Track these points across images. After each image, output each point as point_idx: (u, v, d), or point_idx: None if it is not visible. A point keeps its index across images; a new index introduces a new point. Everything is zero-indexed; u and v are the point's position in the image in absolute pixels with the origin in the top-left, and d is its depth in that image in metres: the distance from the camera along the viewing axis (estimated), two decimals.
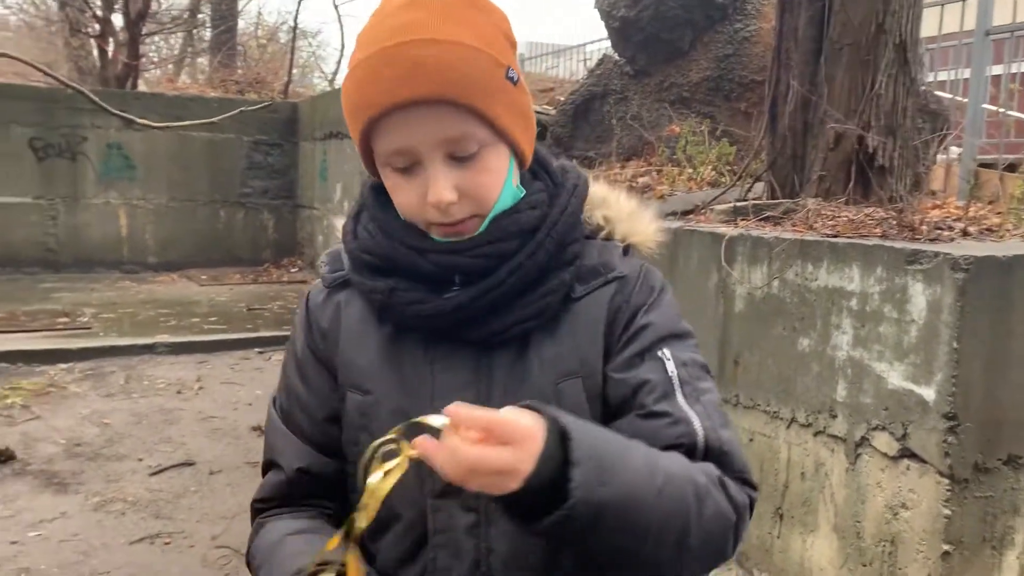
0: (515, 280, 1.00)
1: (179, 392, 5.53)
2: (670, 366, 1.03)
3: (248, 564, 1.12)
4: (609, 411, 1.03)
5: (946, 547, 2.40)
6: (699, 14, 6.53)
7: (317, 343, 1.11)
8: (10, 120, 9.25)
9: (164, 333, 6.71)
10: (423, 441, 0.83)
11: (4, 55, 2.51)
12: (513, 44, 1.03)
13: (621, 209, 1.13)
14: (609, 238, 1.11)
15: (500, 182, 1.00)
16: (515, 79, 1.00)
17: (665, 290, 1.11)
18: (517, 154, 1.03)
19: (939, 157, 5.88)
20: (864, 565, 2.64)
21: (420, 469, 0.89)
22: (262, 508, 1.14)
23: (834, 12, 4.11)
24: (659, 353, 1.03)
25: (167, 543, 3.49)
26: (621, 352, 1.04)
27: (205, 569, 3.30)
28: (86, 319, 7.09)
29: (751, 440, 3.10)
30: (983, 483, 2.42)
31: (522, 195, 1.04)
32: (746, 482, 1.02)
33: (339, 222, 1.14)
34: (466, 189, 0.97)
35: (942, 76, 6.81)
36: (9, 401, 5.12)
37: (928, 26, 6.36)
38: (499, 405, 0.86)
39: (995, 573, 2.48)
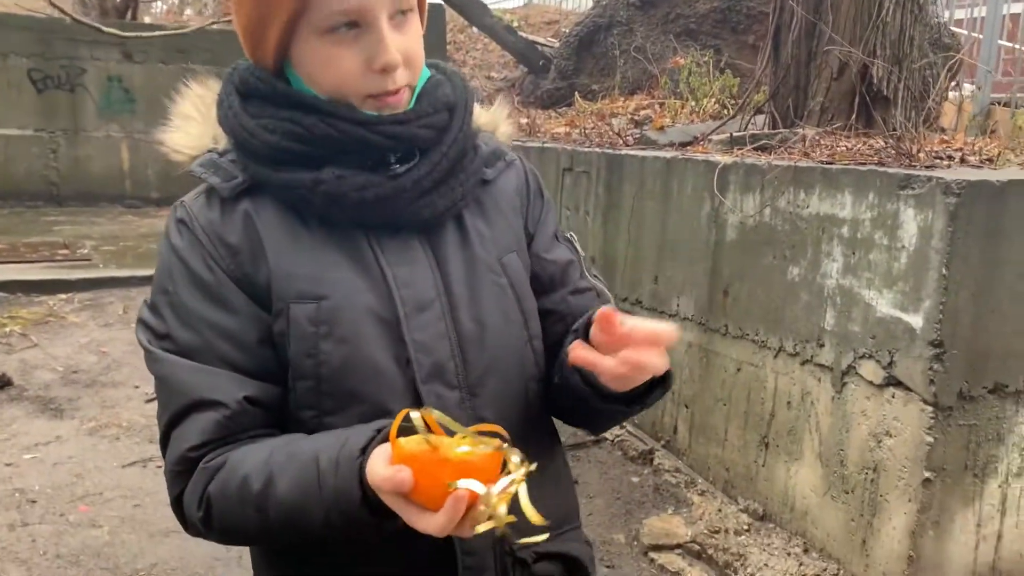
0: (453, 152, 1.01)
1: None
2: (577, 245, 1.18)
3: (206, 516, 0.96)
4: (540, 285, 1.12)
5: (928, 474, 2.39)
6: None
7: (226, 262, 0.99)
8: (8, 50, 9.14)
9: None
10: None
11: None
12: None
13: (477, 108, 1.15)
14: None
15: (423, 52, 1.01)
16: None
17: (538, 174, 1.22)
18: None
19: (951, 95, 5.75)
20: (846, 492, 2.64)
21: (401, 358, 0.97)
22: (202, 454, 0.97)
23: None
24: (567, 234, 1.19)
25: (159, 467, 3.52)
26: (538, 232, 1.15)
27: None
28: (86, 251, 7.09)
29: (738, 370, 3.08)
30: (967, 411, 2.40)
31: (428, 74, 1.04)
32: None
33: (174, 137, 1.05)
34: (405, 53, 0.96)
35: (959, 15, 6.64)
36: (7, 329, 5.15)
37: None
38: (457, 287, 1.01)
39: (976, 501, 2.48)
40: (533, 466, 0.81)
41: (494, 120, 1.17)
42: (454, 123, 1.02)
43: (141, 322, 1.02)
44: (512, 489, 0.80)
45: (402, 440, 0.82)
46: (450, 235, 1.04)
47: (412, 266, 1.01)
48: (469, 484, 0.78)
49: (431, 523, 0.79)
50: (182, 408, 0.97)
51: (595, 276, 1.19)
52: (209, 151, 1.04)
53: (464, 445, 0.80)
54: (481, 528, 0.79)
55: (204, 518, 0.96)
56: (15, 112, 9.28)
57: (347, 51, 0.94)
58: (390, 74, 0.95)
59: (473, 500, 0.78)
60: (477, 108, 1.12)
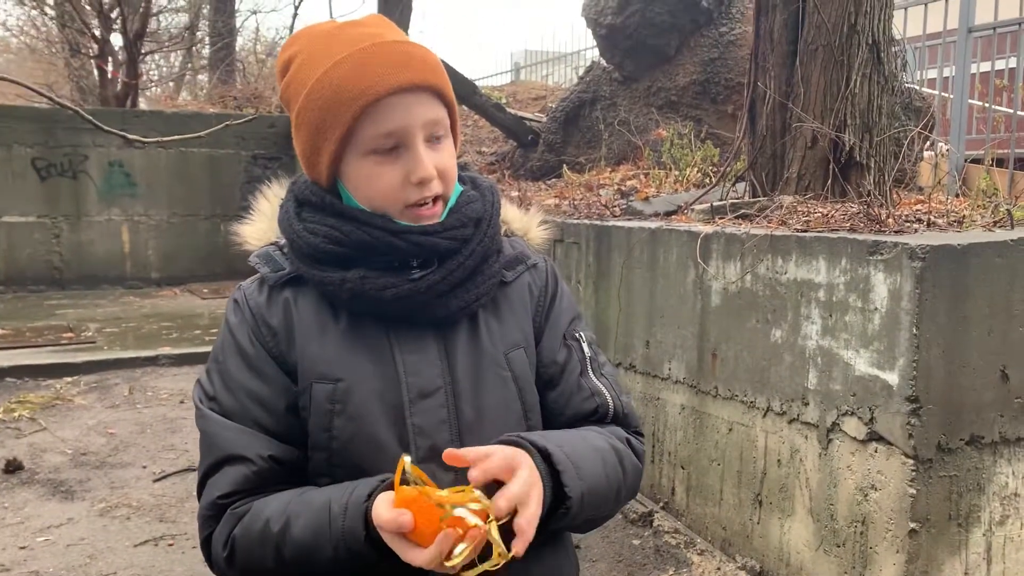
0: (471, 262, 1.15)
1: (181, 402, 5.65)
2: (585, 347, 1.27)
3: (230, 555, 1.12)
4: (542, 383, 1.24)
5: (913, 525, 2.50)
6: (685, 19, 6.66)
7: (267, 340, 1.16)
8: (13, 140, 9.41)
9: (167, 346, 6.83)
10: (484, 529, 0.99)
11: (1, 78, 2.61)
12: None
13: (514, 213, 1.32)
14: (509, 235, 1.29)
15: (455, 168, 1.18)
16: None
17: (561, 278, 1.33)
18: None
19: (926, 154, 5.99)
20: (838, 546, 2.74)
21: (403, 439, 1.14)
22: (230, 502, 1.12)
23: (808, 14, 4.23)
24: (576, 334, 1.28)
25: (171, 545, 3.60)
26: (546, 332, 1.25)
27: (207, 568, 3.40)
28: (90, 334, 7.22)
29: (730, 430, 3.20)
30: (947, 463, 2.52)
31: (460, 189, 1.21)
32: (640, 433, 1.30)
33: (245, 229, 1.25)
34: (438, 168, 1.13)
35: (931, 74, 6.93)
36: (17, 414, 5.25)
37: (913, 25, 6.48)
38: (463, 377, 1.14)
39: (962, 550, 2.58)
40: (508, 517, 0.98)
41: (526, 225, 1.33)
42: (476, 236, 1.17)
43: (198, 383, 1.21)
44: (493, 531, 0.96)
45: (404, 487, 0.98)
46: (462, 329, 1.18)
47: (422, 355, 1.15)
48: (462, 512, 0.95)
49: (422, 556, 0.96)
50: (217, 460, 1.14)
51: (602, 375, 1.27)
52: (271, 244, 1.22)
53: (453, 494, 0.98)
54: (460, 558, 0.95)
55: (228, 557, 1.13)
56: (19, 200, 9.51)
57: (388, 168, 1.12)
58: (426, 185, 1.12)
59: (458, 540, 0.94)
60: (513, 211, 1.31)
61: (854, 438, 2.67)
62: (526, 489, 0.99)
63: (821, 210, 3.53)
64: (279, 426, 1.14)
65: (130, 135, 2.27)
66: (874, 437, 2.60)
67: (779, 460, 2.98)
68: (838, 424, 2.72)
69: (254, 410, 1.14)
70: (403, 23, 14.13)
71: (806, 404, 2.84)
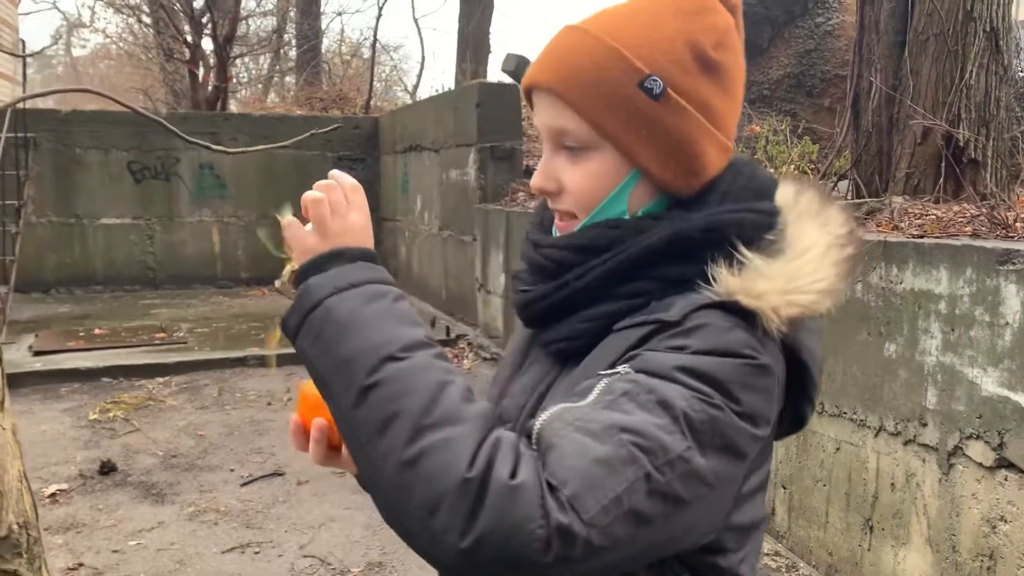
0: (559, 294, 0.95)
1: (269, 403, 5.70)
2: (605, 381, 0.82)
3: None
4: None
5: None
6: (778, 10, 6.39)
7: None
8: (110, 145, 9.73)
9: (254, 346, 6.92)
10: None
11: (85, 90, 2.64)
12: (706, 61, 0.91)
13: (773, 279, 0.88)
14: (729, 305, 0.86)
15: (602, 190, 0.93)
16: (656, 92, 0.89)
17: (715, 355, 0.82)
18: (647, 174, 0.92)
19: None
20: None
21: None
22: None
23: (918, 1, 3.96)
24: (620, 368, 0.84)
25: (257, 552, 3.59)
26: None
27: None
28: (182, 334, 7.38)
29: (837, 449, 3.00)
30: None
31: (617, 212, 0.94)
32: (554, 489, 0.73)
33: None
34: (567, 185, 0.94)
35: None
36: (111, 414, 5.37)
37: None
38: (527, 414, 0.95)
39: None
40: None
41: (730, 289, 0.87)
42: (578, 268, 0.93)
43: None
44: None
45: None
46: (570, 365, 0.96)
47: (528, 380, 1.01)
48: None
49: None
50: None
51: (573, 424, 0.88)
52: None
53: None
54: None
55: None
56: (115, 202, 9.83)
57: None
58: (543, 195, 0.98)
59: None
60: (726, 274, 0.87)
61: (980, 464, 2.44)
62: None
63: (935, 212, 3.29)
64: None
65: (214, 146, 2.22)
66: (1003, 464, 2.37)
67: (893, 483, 2.76)
68: (961, 448, 2.50)
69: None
70: (484, 23, 14.10)
71: (924, 425, 2.62)
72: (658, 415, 0.77)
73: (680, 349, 0.82)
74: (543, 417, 0.80)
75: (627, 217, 0.93)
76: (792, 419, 0.98)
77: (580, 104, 0.90)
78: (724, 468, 0.81)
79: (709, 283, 0.87)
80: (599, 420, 0.77)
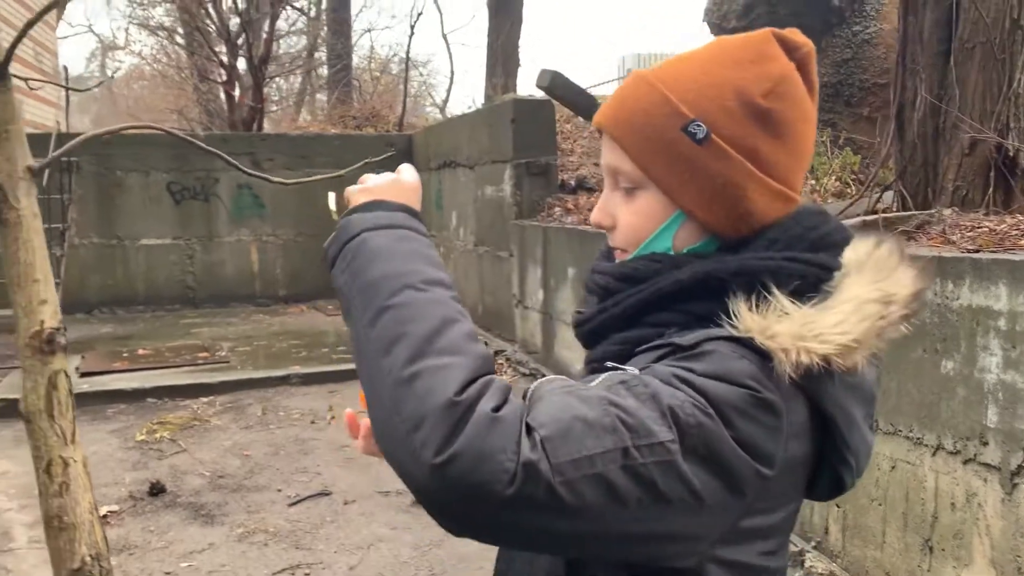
0: (604, 318, 1.00)
1: (312, 422, 5.74)
2: (608, 374, 0.87)
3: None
4: None
5: None
6: (815, 19, 6.35)
7: None
8: (150, 167, 9.90)
9: (296, 364, 6.98)
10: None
11: (148, 126, 2.65)
12: (755, 109, 0.92)
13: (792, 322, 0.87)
14: (743, 340, 0.86)
15: (648, 228, 0.98)
16: (699, 136, 0.91)
17: (717, 379, 0.83)
18: (692, 216, 0.94)
19: None
20: None
21: None
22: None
23: (963, 10, 3.92)
24: (628, 367, 0.88)
25: (307, 574, 3.62)
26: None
27: None
28: (224, 353, 7.46)
29: (893, 468, 2.95)
30: None
31: (663, 248, 0.97)
32: (531, 429, 0.77)
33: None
34: (619, 221, 1.01)
35: None
36: (158, 435, 5.44)
37: None
38: None
39: None
40: None
41: (747, 326, 0.87)
42: (616, 296, 0.98)
43: None
44: None
45: None
46: (588, 381, 1.05)
47: None
48: None
49: None
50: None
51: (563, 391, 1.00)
52: None
53: None
54: None
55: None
56: (156, 223, 9.99)
57: None
58: (597, 227, 1.03)
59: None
60: (746, 312, 0.87)
61: None
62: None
63: (987, 224, 3.24)
64: None
65: (273, 178, 2.27)
66: None
67: (953, 503, 2.71)
68: None
69: None
70: (513, 37, 14.16)
71: (985, 443, 2.58)
72: (649, 407, 0.80)
73: (685, 369, 0.85)
74: (539, 380, 0.86)
75: (671, 253, 0.97)
76: (830, 482, 0.96)
77: (630, 146, 0.96)
78: (710, 483, 0.81)
79: (732, 319, 0.88)
80: (592, 392, 0.82)
